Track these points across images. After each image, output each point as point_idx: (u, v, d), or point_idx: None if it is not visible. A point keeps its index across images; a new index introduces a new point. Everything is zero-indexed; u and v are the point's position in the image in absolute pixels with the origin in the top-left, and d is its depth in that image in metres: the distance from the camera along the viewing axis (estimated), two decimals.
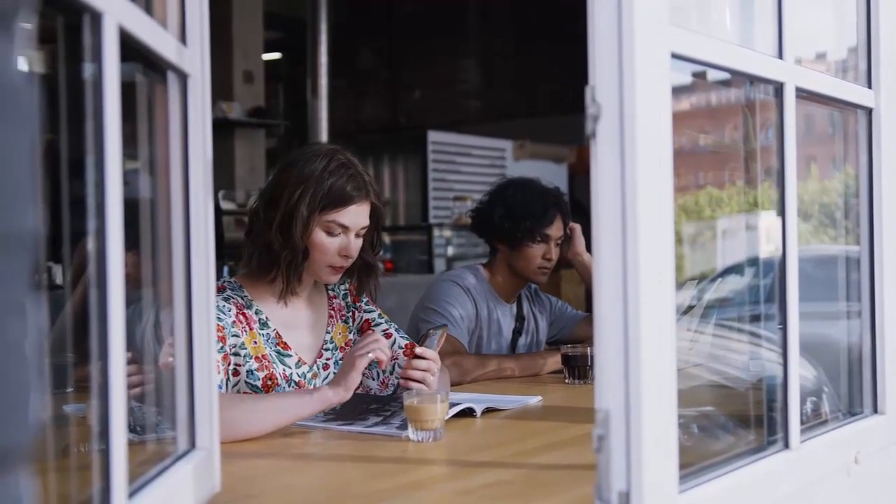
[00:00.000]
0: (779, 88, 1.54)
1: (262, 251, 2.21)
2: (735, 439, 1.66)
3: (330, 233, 2.20)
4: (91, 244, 1.00)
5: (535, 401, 2.37)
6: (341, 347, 2.36)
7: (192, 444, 1.38)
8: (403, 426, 1.93)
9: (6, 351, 0.56)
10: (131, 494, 1.09)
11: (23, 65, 0.60)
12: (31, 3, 0.61)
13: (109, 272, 1.01)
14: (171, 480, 1.24)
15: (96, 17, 1.00)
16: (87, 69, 1.01)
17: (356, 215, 2.22)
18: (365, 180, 2.23)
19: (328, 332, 2.35)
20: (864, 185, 1.84)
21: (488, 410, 2.20)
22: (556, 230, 3.03)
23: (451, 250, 7.57)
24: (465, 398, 2.22)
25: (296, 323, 2.30)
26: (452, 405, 2.04)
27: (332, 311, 2.38)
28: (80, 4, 0.96)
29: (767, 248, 1.97)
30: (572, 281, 6.78)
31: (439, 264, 7.32)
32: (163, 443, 1.41)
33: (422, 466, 1.75)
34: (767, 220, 1.91)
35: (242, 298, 2.23)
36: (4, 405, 0.56)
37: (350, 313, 2.41)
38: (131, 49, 1.11)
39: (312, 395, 1.98)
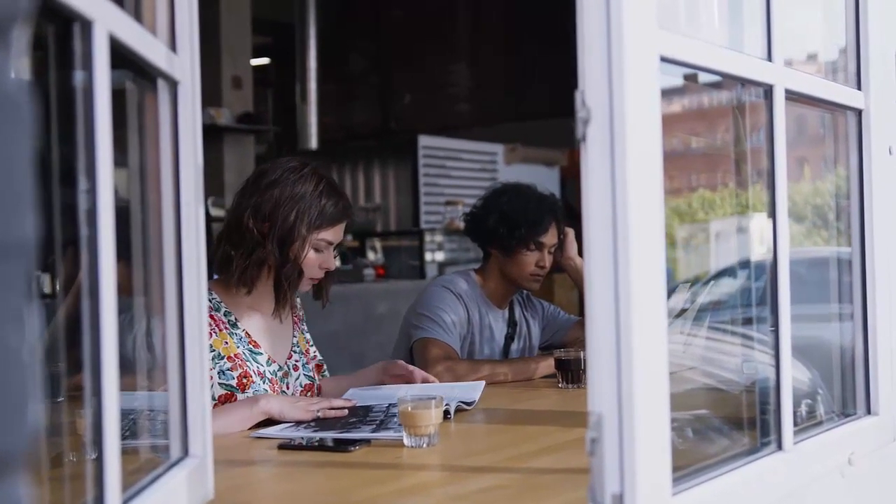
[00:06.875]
0: (768, 91, 1.54)
1: (255, 265, 2.28)
2: (729, 441, 1.66)
3: (317, 249, 2.32)
4: (83, 252, 1.00)
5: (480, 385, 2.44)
6: (304, 352, 2.48)
7: (185, 452, 1.38)
8: (401, 429, 1.92)
9: (5, 358, 0.56)
10: (125, 502, 1.08)
11: (19, 73, 0.60)
12: (27, 11, 0.61)
13: (101, 280, 1.00)
14: (164, 488, 1.23)
15: (87, 25, 1.00)
16: (78, 76, 1.01)
17: (341, 232, 2.37)
18: (348, 200, 2.40)
19: (294, 337, 2.48)
20: (855, 186, 1.85)
21: (461, 409, 2.23)
22: (550, 238, 3.03)
23: (442, 255, 7.56)
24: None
25: (265, 327, 2.39)
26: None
27: (296, 319, 2.51)
28: (70, 12, 0.96)
29: (760, 251, 1.98)
30: (565, 285, 6.78)
31: (431, 269, 7.31)
32: (155, 450, 1.40)
33: (417, 472, 1.75)
34: (759, 223, 1.91)
35: (210, 301, 2.28)
36: (4, 411, 0.57)
37: (304, 326, 2.55)
38: (120, 56, 1.11)
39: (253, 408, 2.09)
